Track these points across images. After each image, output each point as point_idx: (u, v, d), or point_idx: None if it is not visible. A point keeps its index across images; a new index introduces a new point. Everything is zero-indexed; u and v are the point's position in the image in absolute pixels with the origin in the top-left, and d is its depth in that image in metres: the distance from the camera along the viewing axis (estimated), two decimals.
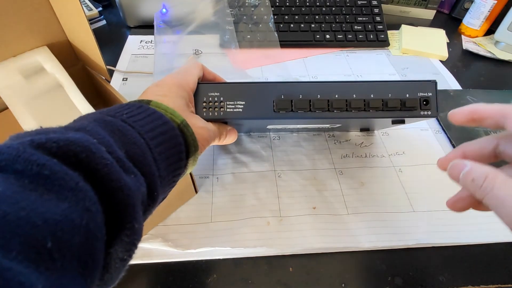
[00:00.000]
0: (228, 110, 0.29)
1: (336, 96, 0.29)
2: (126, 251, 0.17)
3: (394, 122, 0.33)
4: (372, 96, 0.29)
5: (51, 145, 0.15)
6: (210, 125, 0.29)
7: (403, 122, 0.32)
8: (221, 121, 0.31)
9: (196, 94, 0.30)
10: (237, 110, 0.29)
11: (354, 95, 0.29)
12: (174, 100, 0.26)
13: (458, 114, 0.23)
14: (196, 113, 0.29)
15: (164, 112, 0.23)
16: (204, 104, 0.29)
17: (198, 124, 0.27)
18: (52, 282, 0.12)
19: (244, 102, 0.29)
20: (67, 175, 0.14)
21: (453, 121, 0.23)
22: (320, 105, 0.29)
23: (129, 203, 0.16)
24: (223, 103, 0.29)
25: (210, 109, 0.29)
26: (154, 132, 0.21)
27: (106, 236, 0.16)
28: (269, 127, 0.38)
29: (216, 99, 0.29)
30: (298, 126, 0.38)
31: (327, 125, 0.38)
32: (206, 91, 0.29)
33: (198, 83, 0.30)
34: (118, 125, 0.20)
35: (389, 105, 0.28)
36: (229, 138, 0.33)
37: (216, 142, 0.32)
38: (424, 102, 0.29)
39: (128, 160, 0.18)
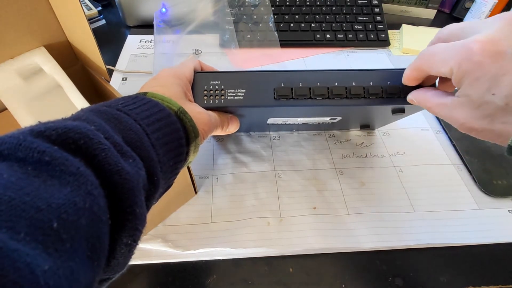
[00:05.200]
0: (229, 98, 0.29)
1: (336, 84, 0.29)
2: (130, 236, 0.17)
3: (394, 112, 0.33)
4: (371, 83, 0.29)
5: (50, 133, 0.15)
6: (211, 112, 0.29)
7: (403, 111, 0.32)
8: (222, 109, 0.31)
9: (196, 82, 0.30)
10: (238, 98, 0.29)
11: (353, 83, 0.29)
12: (170, 89, 0.26)
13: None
14: (197, 102, 0.29)
15: (161, 101, 0.24)
16: (205, 92, 0.30)
17: (196, 110, 0.27)
18: (59, 264, 0.12)
19: (244, 90, 0.29)
20: (68, 161, 0.15)
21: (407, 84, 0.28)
22: (320, 92, 0.29)
23: (128, 187, 0.17)
24: (223, 91, 0.29)
25: (211, 97, 0.29)
26: (150, 118, 0.22)
27: (110, 221, 0.16)
28: (269, 121, 0.38)
29: (217, 87, 0.30)
30: (299, 120, 0.38)
31: (327, 119, 0.38)
32: (207, 80, 0.30)
33: (199, 72, 0.30)
34: (114, 113, 0.20)
35: (388, 91, 0.29)
36: (232, 126, 0.33)
37: (219, 131, 0.32)
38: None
39: (126, 145, 0.19)
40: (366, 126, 0.45)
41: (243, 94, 0.29)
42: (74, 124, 0.16)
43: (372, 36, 0.60)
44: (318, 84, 0.29)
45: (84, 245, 0.14)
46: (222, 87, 0.29)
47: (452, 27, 0.24)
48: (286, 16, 0.60)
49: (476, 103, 0.21)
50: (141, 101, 0.23)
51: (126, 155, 0.18)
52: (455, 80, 0.22)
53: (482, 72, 0.20)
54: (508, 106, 0.20)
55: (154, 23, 0.54)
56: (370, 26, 0.60)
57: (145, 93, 0.24)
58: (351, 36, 0.59)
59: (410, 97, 0.28)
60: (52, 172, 0.14)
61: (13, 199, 0.12)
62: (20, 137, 0.14)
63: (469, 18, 0.64)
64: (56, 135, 0.15)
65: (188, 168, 0.33)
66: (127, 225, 0.17)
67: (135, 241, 0.18)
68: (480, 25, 0.21)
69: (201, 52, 0.57)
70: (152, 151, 0.20)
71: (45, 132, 0.15)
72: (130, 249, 0.18)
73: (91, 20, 0.62)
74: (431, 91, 0.26)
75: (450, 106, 0.23)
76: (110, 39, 0.60)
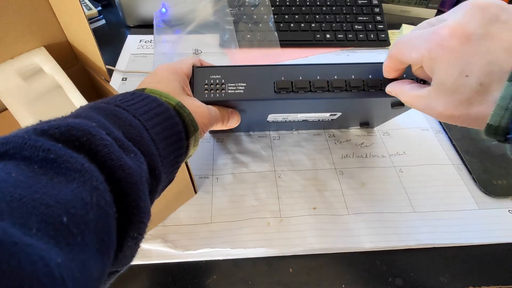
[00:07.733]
0: (229, 91, 0.30)
1: (335, 77, 0.30)
2: (136, 230, 0.18)
3: (393, 105, 0.33)
4: (370, 76, 0.30)
5: (54, 131, 0.16)
6: (210, 106, 0.30)
7: (402, 104, 0.32)
8: (223, 103, 0.31)
9: (197, 77, 0.30)
10: (238, 91, 0.30)
11: (352, 76, 0.30)
12: (168, 85, 0.26)
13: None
14: (198, 96, 0.29)
15: (159, 97, 0.24)
16: (205, 86, 0.30)
17: (195, 103, 0.27)
18: (71, 257, 0.13)
19: (245, 84, 0.30)
20: (72, 158, 0.15)
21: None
22: (320, 84, 0.29)
23: (132, 181, 0.17)
24: (224, 85, 0.30)
25: (212, 91, 0.30)
26: (149, 114, 0.22)
27: (117, 215, 0.16)
28: (269, 118, 0.38)
29: (217, 81, 0.30)
30: (299, 116, 0.38)
31: (327, 115, 0.38)
32: (208, 74, 0.30)
33: (199, 67, 0.30)
34: (113, 109, 0.21)
35: (387, 84, 0.29)
36: (232, 121, 0.34)
37: (220, 126, 0.32)
38: (422, 82, 0.29)
39: (127, 140, 0.19)
40: (366, 124, 0.45)
41: (243, 87, 0.30)
42: (76, 121, 0.17)
43: (372, 36, 0.60)
44: (318, 77, 0.30)
45: (93, 238, 0.14)
46: (223, 81, 0.30)
47: (424, 22, 0.25)
48: (286, 16, 0.60)
49: (452, 89, 0.21)
50: (139, 96, 0.23)
51: (128, 150, 0.18)
52: (427, 67, 0.22)
53: (453, 56, 0.20)
54: (483, 86, 0.20)
55: (154, 23, 0.54)
56: (370, 26, 0.60)
57: (143, 89, 0.25)
58: (351, 36, 0.59)
59: (388, 88, 0.28)
60: (58, 170, 0.15)
61: (23, 197, 0.12)
62: (25, 136, 0.15)
63: None
64: (59, 133, 0.16)
65: (188, 168, 0.33)
66: (133, 219, 0.17)
67: (141, 234, 0.18)
68: (448, 14, 0.22)
69: (201, 52, 0.57)
70: (152, 146, 0.21)
71: (49, 131, 0.16)
72: (136, 242, 0.18)
73: (91, 20, 0.62)
74: (408, 84, 0.26)
75: (427, 97, 0.23)
76: (110, 39, 0.60)
